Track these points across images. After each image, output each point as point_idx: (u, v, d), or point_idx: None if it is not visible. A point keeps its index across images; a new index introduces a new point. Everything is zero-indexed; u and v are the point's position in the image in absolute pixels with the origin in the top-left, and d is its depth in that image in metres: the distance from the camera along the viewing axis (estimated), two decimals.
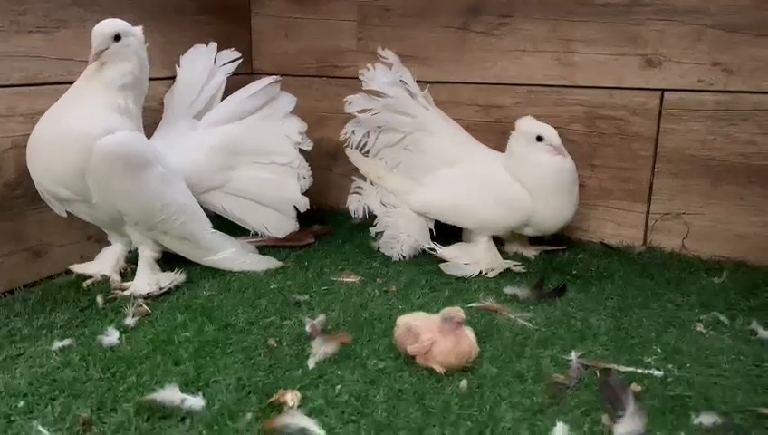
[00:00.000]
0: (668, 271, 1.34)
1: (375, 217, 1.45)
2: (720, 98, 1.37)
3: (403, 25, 1.62)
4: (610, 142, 1.48)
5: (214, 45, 1.48)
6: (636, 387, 0.89)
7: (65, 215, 1.22)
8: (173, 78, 1.48)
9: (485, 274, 1.32)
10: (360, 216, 1.48)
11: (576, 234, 1.54)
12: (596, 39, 1.44)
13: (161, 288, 1.20)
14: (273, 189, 1.45)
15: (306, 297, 1.20)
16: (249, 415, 0.83)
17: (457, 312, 0.96)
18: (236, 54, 1.49)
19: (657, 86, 1.41)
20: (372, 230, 1.46)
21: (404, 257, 1.40)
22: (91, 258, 1.32)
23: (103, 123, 1.13)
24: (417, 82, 1.46)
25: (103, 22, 1.13)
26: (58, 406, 0.84)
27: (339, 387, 0.90)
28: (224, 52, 1.49)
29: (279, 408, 0.85)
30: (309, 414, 0.83)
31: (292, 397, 0.86)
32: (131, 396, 0.87)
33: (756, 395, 0.89)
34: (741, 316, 1.13)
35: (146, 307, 1.13)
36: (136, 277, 1.23)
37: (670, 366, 0.96)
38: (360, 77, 1.43)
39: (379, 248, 1.44)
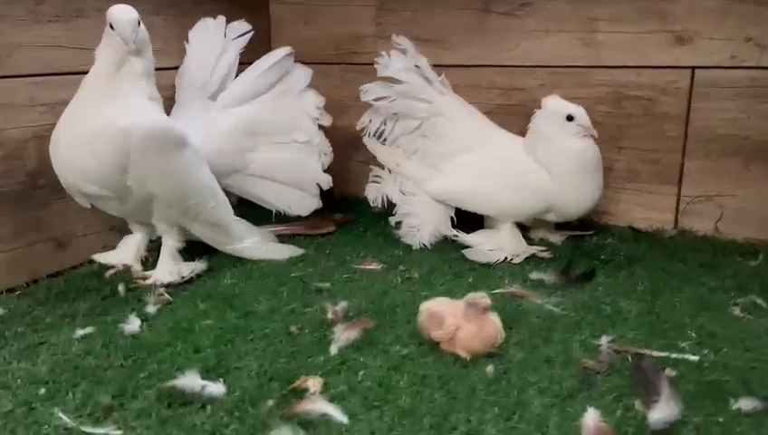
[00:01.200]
0: (701, 254, 1.30)
1: (394, 205, 1.43)
2: (753, 74, 1.31)
3: (422, 9, 1.59)
4: (638, 123, 1.43)
5: (222, 18, 1.44)
6: (670, 372, 0.86)
7: (89, 207, 1.21)
8: None
9: (510, 260, 1.29)
10: (379, 205, 1.46)
11: (603, 218, 1.50)
12: (621, 17, 1.40)
13: (183, 277, 1.19)
14: (295, 169, 1.43)
15: (327, 285, 1.18)
16: (270, 401, 0.81)
17: (482, 298, 0.93)
18: (247, 27, 1.46)
19: (688, 63, 1.36)
20: (392, 219, 1.43)
21: (424, 245, 1.37)
22: (113, 248, 1.32)
23: (141, 114, 1.11)
24: (438, 66, 1.43)
25: (122, 8, 1.10)
26: (79, 393, 0.83)
27: (362, 373, 0.88)
28: (234, 24, 1.45)
29: (300, 394, 0.83)
30: (331, 400, 0.81)
31: (313, 383, 0.85)
32: (152, 383, 0.86)
33: None
34: None
35: (167, 296, 1.12)
36: (157, 266, 1.23)
37: (706, 351, 0.93)
38: (375, 65, 1.40)
39: (400, 236, 1.41)
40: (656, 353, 0.92)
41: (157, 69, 1.19)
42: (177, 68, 1.45)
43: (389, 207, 1.45)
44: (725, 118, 1.35)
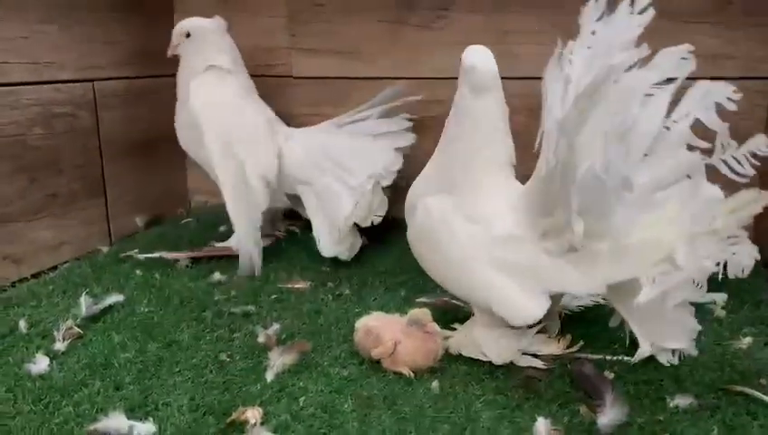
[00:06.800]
0: None
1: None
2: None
3: (336, 21, 1.57)
4: None
5: None
6: (608, 374, 0.88)
7: None
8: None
9: None
10: None
11: None
12: (534, 30, 1.44)
13: None
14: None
15: (253, 308, 1.12)
16: None
17: (425, 315, 0.92)
18: None
19: None
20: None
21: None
22: None
23: None
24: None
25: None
26: None
27: (303, 399, 0.84)
28: None
29: (240, 427, 0.78)
30: (274, 431, 0.76)
31: (253, 414, 0.79)
32: (70, 428, 0.77)
33: (723, 373, 0.89)
34: None
35: (77, 329, 1.02)
36: None
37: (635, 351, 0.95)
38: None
39: None
40: (591, 356, 0.94)
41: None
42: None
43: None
44: None
